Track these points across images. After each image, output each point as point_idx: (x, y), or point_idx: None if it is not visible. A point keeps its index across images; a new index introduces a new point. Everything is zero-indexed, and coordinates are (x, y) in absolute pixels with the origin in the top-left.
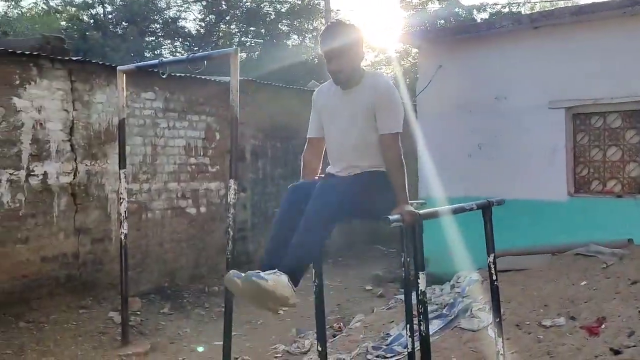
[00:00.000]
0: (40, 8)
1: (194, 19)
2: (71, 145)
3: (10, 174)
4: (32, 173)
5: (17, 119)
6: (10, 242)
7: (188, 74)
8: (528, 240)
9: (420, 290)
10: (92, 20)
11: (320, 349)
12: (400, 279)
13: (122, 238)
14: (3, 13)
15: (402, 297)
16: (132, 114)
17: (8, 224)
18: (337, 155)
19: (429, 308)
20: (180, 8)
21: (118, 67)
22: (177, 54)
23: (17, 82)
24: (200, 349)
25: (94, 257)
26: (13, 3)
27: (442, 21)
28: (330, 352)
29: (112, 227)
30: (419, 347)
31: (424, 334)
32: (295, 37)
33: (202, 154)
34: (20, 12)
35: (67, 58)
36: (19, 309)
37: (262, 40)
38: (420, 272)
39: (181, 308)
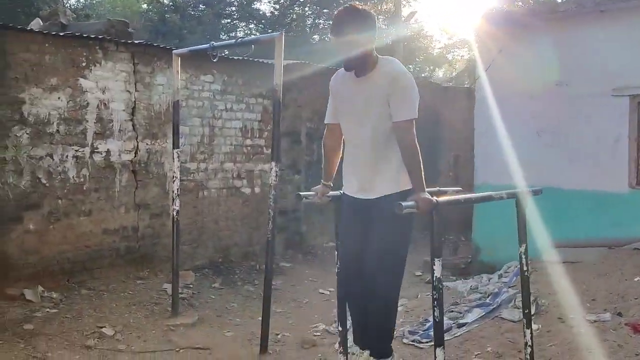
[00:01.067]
0: None
1: (269, 1)
2: (133, 125)
3: (76, 150)
4: (96, 150)
5: (83, 99)
6: (74, 214)
7: (246, 57)
8: (586, 232)
9: (435, 276)
10: (171, 3)
11: (340, 328)
12: (451, 266)
13: (174, 214)
14: None
15: (449, 284)
16: (191, 96)
17: (73, 197)
18: (351, 145)
19: (473, 297)
20: (348, 4)
21: (173, 51)
22: (252, 36)
23: (84, 64)
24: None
25: (152, 231)
26: None
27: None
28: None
29: (169, 204)
30: (458, 334)
31: (437, 320)
32: None
33: (257, 135)
34: None
35: (130, 41)
36: (82, 277)
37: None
38: (436, 259)
39: (232, 283)
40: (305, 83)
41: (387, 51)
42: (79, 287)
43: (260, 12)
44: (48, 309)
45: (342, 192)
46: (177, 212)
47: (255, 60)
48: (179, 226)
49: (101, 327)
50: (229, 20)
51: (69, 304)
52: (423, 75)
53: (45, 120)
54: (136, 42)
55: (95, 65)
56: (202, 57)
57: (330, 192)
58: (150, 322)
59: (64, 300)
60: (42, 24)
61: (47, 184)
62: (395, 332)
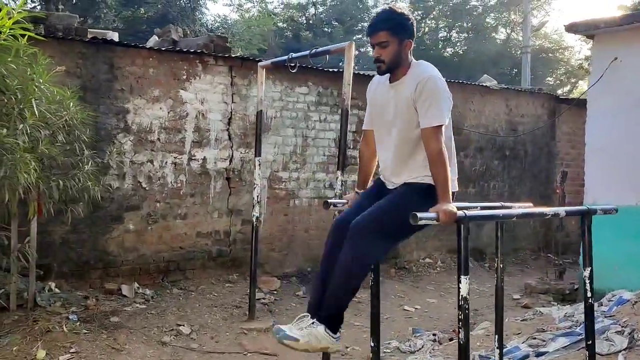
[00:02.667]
0: (257, 11)
1: None
2: (228, 134)
3: (175, 157)
4: (193, 157)
5: (182, 109)
6: (171, 217)
7: (342, 69)
8: None
9: (462, 296)
10: (304, 21)
11: (373, 344)
12: (555, 291)
13: (254, 220)
14: (223, 17)
15: (543, 309)
16: (285, 107)
17: (170, 201)
18: (382, 151)
19: (564, 324)
20: (386, 5)
21: (259, 64)
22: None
23: (184, 76)
24: None
25: (243, 236)
26: (234, 7)
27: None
28: (436, 355)
29: (261, 211)
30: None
31: (461, 342)
32: (503, 30)
33: (351, 146)
34: (240, 16)
35: (228, 55)
36: (176, 277)
37: (466, 35)
38: (463, 277)
39: (303, 294)
40: None
41: (514, 63)
42: (171, 286)
43: None
44: (138, 304)
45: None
46: (257, 218)
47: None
48: (258, 232)
49: (180, 325)
50: (360, 36)
51: (158, 301)
52: (564, 89)
53: (148, 129)
54: (233, 55)
55: (195, 78)
56: (299, 70)
57: None
58: (226, 324)
59: (154, 297)
60: (157, 39)
61: (147, 188)
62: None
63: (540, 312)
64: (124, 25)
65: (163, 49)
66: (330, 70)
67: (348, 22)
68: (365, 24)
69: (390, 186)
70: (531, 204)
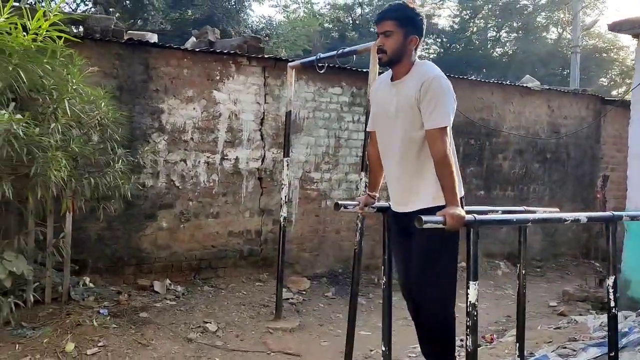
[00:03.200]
0: (303, 12)
1: (449, 15)
2: (261, 135)
3: (208, 157)
4: (225, 157)
5: (216, 109)
6: (203, 216)
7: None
8: None
9: (470, 302)
10: (350, 21)
11: (384, 348)
12: (594, 299)
13: (282, 221)
14: (268, 18)
15: (579, 317)
16: (318, 107)
17: (203, 200)
18: (383, 152)
19: (598, 334)
20: (435, 5)
21: (289, 64)
22: (429, 51)
23: (218, 77)
24: None
25: (274, 236)
26: (279, 9)
27: None
28: None
29: (292, 211)
30: None
31: (469, 350)
32: (554, 29)
33: None
34: (285, 17)
35: (261, 56)
36: (207, 275)
37: (515, 34)
38: (472, 282)
39: (345, 294)
40: None
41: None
42: (202, 284)
43: (439, 27)
44: (168, 301)
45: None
46: (285, 218)
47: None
48: (285, 232)
49: (206, 323)
50: None
51: (188, 298)
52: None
53: (181, 129)
54: (266, 56)
55: (228, 79)
56: (332, 70)
57: (377, 203)
58: (253, 323)
59: (185, 294)
60: (195, 41)
61: (180, 187)
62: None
63: (575, 320)
64: (172, 27)
65: (197, 50)
66: (365, 70)
67: None
68: None
69: (399, 210)
70: (557, 209)
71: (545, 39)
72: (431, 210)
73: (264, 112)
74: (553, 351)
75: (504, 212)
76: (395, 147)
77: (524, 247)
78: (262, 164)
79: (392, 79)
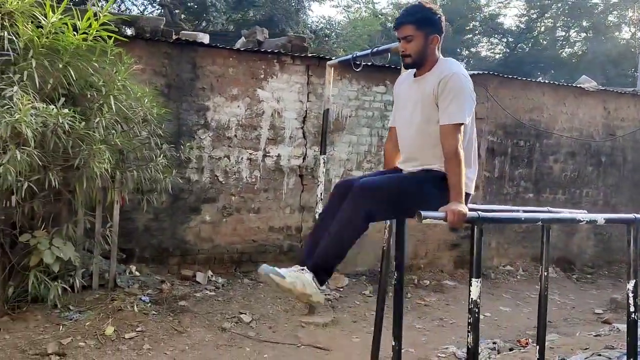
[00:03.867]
0: (364, 12)
1: (516, 15)
2: (303, 132)
3: (250, 153)
4: (267, 154)
5: (259, 107)
6: (245, 211)
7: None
8: None
9: (472, 299)
10: None
11: (394, 343)
12: None
13: (316, 217)
14: (328, 18)
15: (622, 326)
16: (361, 106)
17: (245, 195)
18: (401, 146)
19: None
20: (501, 4)
21: (327, 63)
22: (494, 51)
23: (262, 76)
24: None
25: None
26: (340, 9)
27: None
28: None
29: None
30: None
31: (470, 347)
32: (627, 28)
33: None
34: (346, 17)
35: (304, 55)
36: (248, 268)
37: (585, 34)
38: (474, 279)
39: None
40: (486, 95)
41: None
42: (242, 277)
43: (505, 27)
44: (208, 291)
45: None
46: (319, 214)
47: None
48: None
49: (242, 314)
50: (470, 36)
51: (227, 289)
52: None
53: (226, 126)
54: (309, 55)
55: (272, 77)
56: (376, 69)
57: None
58: (286, 316)
59: (225, 285)
60: (244, 40)
61: (223, 182)
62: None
63: (617, 328)
64: (234, 27)
65: (242, 49)
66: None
67: (458, 22)
68: (476, 23)
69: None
70: (585, 212)
71: (616, 38)
72: (438, 174)
73: (306, 111)
74: (586, 358)
75: (524, 212)
76: (413, 142)
77: (547, 248)
78: (303, 161)
79: (415, 75)
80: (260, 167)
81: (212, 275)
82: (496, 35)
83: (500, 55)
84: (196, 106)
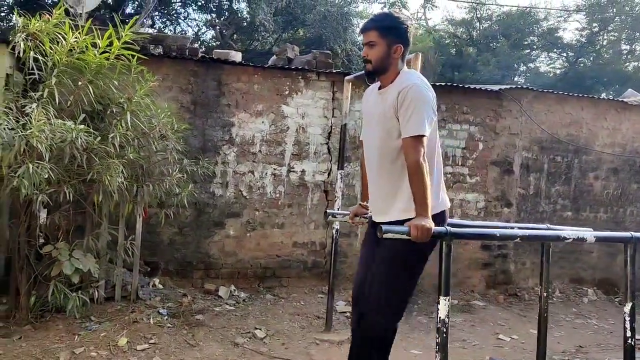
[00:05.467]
0: (416, 28)
1: (576, 29)
2: (328, 148)
3: (274, 169)
4: (292, 170)
5: (283, 123)
6: (269, 226)
7: (450, 83)
8: None
9: (440, 318)
10: (468, 37)
11: None
12: None
13: (334, 233)
14: None
15: None
16: None
17: (269, 210)
18: (368, 180)
19: None
20: (560, 18)
21: (345, 77)
22: (554, 66)
23: (287, 92)
24: None
25: (339, 249)
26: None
27: None
28: None
29: (358, 225)
30: None
31: None
32: None
33: (460, 163)
34: None
35: (329, 71)
36: (272, 283)
37: None
38: (442, 297)
39: (407, 311)
40: (520, 109)
41: None
42: (265, 292)
43: (564, 41)
44: (228, 306)
45: None
46: (337, 230)
47: (460, 85)
48: (337, 244)
49: (257, 329)
50: (528, 51)
51: (248, 304)
52: None
53: (250, 141)
54: (334, 71)
55: (297, 93)
56: None
57: (370, 213)
58: (302, 333)
59: (246, 300)
60: (275, 57)
61: (247, 197)
62: None
63: None
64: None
65: (266, 66)
66: (438, 84)
67: (514, 36)
68: (534, 38)
69: (376, 218)
70: (591, 229)
71: None
72: (402, 223)
73: (331, 126)
74: None
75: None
76: (375, 156)
77: (547, 267)
78: (328, 177)
79: (379, 88)
80: (284, 182)
81: (234, 290)
82: (555, 50)
83: (561, 69)
84: (221, 122)
